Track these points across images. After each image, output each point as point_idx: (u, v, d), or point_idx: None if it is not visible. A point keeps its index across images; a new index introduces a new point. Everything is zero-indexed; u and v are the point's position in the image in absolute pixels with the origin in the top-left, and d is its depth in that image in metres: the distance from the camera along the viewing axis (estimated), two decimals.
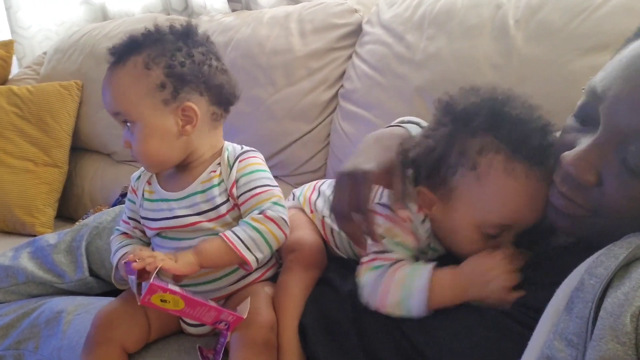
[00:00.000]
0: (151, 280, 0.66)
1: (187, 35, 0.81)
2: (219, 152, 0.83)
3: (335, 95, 1.47)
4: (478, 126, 0.67)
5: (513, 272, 0.63)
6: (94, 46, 1.91)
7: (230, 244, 0.73)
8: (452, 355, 0.64)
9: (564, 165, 0.57)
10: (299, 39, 1.51)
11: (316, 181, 0.97)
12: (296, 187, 1.05)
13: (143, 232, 0.86)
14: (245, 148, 0.84)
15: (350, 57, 1.47)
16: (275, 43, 1.52)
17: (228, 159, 0.81)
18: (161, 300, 0.67)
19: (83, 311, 0.89)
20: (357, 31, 1.49)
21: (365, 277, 0.71)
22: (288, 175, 1.51)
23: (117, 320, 0.78)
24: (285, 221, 0.76)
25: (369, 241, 0.71)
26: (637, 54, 0.54)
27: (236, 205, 0.80)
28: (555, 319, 0.49)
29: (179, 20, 1.86)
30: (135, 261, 0.68)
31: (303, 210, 0.90)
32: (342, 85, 1.46)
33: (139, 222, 0.86)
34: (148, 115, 0.77)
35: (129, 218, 0.87)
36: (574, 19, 1.11)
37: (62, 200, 1.83)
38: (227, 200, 0.79)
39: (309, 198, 0.91)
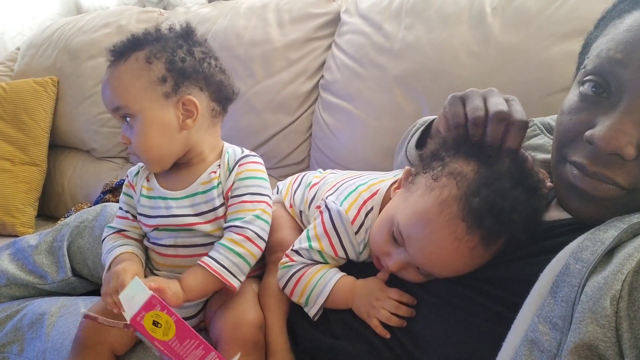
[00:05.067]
0: (148, 293, 0.64)
1: (187, 35, 0.82)
2: (220, 154, 0.84)
3: (316, 86, 1.46)
4: (468, 155, 0.64)
5: (392, 314, 0.68)
6: (68, 40, 1.87)
7: (216, 274, 0.74)
8: (439, 350, 0.65)
9: (596, 144, 0.53)
10: (277, 29, 1.49)
11: (304, 172, 0.97)
12: (280, 180, 1.04)
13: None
14: (246, 152, 0.84)
15: (329, 47, 1.46)
16: (253, 34, 1.51)
17: (228, 162, 0.82)
18: (153, 323, 0.64)
19: (66, 312, 0.88)
20: (335, 20, 1.48)
21: (279, 272, 0.78)
22: (271, 168, 1.50)
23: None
24: (261, 236, 0.78)
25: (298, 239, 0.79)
26: None
27: None
28: (539, 302, 0.49)
29: (155, 12, 1.85)
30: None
31: (284, 204, 0.91)
32: (322, 76, 1.45)
33: (136, 217, 0.85)
34: (149, 108, 0.77)
35: (126, 212, 0.86)
36: (549, 5, 1.12)
37: (42, 199, 1.81)
38: (224, 202, 0.80)
39: (292, 187, 0.92)
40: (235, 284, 0.75)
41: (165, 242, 0.81)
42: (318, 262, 0.76)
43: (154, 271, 0.83)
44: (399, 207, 0.68)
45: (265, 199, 0.81)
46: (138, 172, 0.86)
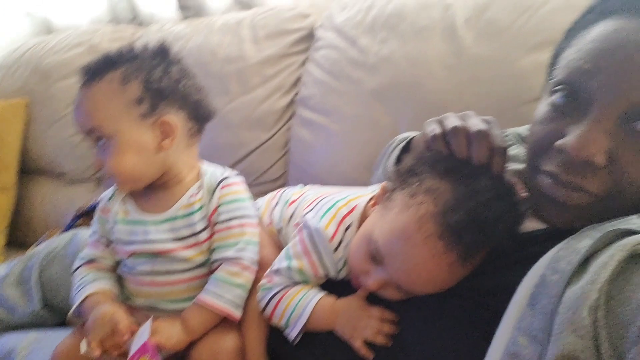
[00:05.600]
0: (147, 337, 0.67)
1: (162, 54, 0.80)
2: (198, 175, 0.81)
3: (292, 102, 1.45)
4: (443, 171, 0.63)
5: (377, 333, 0.67)
6: (39, 61, 1.83)
7: (222, 311, 0.74)
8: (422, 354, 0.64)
9: (567, 152, 0.54)
10: (252, 45, 1.49)
11: (283, 188, 0.96)
12: (257, 198, 1.03)
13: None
14: (226, 172, 0.82)
15: (304, 62, 1.46)
16: (228, 50, 1.50)
17: (209, 184, 0.80)
18: None
19: (36, 347, 0.85)
20: (310, 36, 1.48)
21: (259, 294, 0.76)
22: (248, 185, 1.48)
23: (78, 356, 0.73)
24: (255, 261, 0.79)
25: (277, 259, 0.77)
26: (614, 29, 0.54)
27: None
28: (518, 315, 0.49)
29: (128, 30, 1.83)
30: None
31: (262, 221, 0.89)
32: (298, 92, 1.44)
33: (109, 244, 0.82)
34: (124, 130, 0.74)
35: (99, 238, 0.83)
36: (519, 16, 1.13)
37: (12, 227, 1.75)
38: (207, 226, 0.78)
39: (270, 204, 0.90)
40: (240, 314, 0.76)
41: (142, 268, 0.78)
42: (298, 283, 0.75)
43: (128, 301, 0.80)
44: (376, 224, 0.67)
45: (252, 220, 0.80)
46: (112, 195, 0.83)
